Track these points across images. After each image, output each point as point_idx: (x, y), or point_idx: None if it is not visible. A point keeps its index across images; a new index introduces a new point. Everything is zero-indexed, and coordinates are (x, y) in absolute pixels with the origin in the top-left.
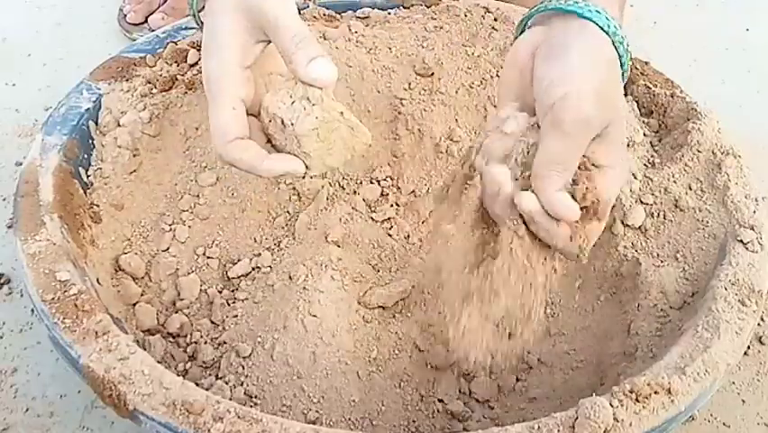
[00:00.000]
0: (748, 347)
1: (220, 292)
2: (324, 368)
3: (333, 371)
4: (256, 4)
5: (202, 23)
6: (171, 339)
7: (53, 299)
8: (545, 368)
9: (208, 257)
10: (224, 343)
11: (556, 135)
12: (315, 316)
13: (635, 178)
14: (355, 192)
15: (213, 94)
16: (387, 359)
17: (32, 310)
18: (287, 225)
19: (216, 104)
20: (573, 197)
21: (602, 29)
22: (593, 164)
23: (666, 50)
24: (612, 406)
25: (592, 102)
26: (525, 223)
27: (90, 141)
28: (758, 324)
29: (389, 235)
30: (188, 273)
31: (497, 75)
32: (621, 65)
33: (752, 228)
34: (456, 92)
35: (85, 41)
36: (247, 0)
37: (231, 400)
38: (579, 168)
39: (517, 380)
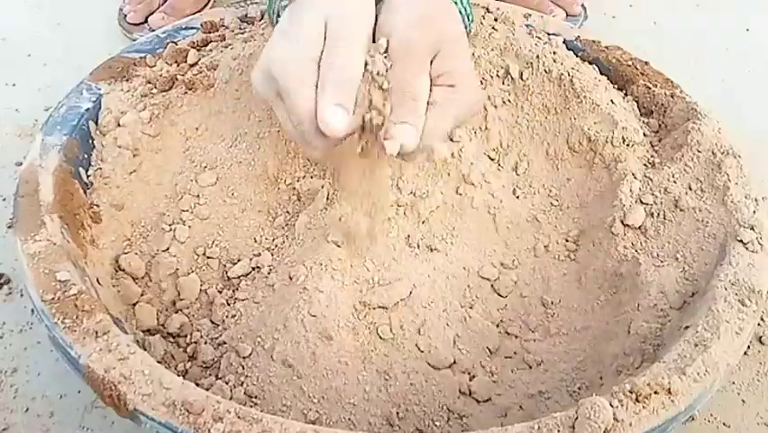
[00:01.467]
0: (748, 347)
1: (220, 292)
2: (324, 368)
3: (333, 371)
4: (333, 18)
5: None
6: (171, 339)
7: (53, 299)
8: (545, 368)
9: (208, 257)
10: (224, 343)
11: (394, 66)
12: (314, 316)
13: (636, 178)
14: None
15: (282, 74)
16: (387, 360)
17: (32, 310)
18: (287, 225)
19: (293, 81)
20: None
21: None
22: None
23: (666, 50)
24: (612, 406)
25: (412, 27)
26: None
27: (90, 141)
28: (758, 324)
29: (389, 236)
30: (188, 273)
31: (497, 75)
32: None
33: (752, 228)
34: None
35: (85, 41)
36: (331, 10)
37: (231, 400)
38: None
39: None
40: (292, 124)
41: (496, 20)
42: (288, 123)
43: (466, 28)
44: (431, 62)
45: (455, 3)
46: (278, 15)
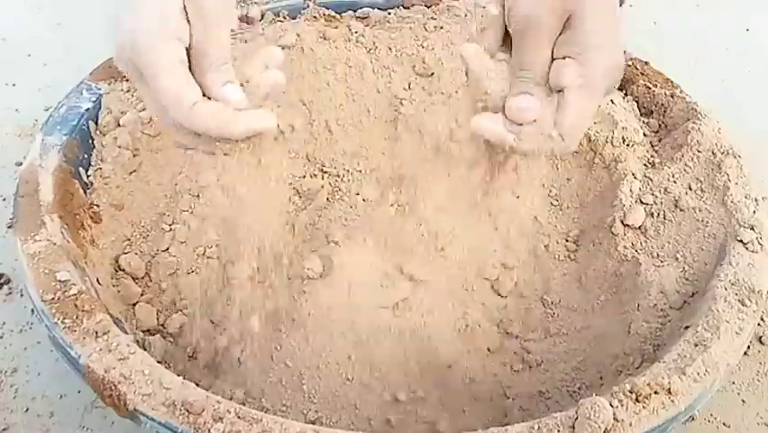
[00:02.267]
0: (748, 347)
1: (220, 292)
2: (325, 368)
3: (333, 371)
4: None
5: None
6: (171, 339)
7: (53, 299)
8: (545, 368)
9: (208, 257)
10: (224, 343)
11: (515, 39)
12: (313, 315)
13: (636, 178)
14: (357, 193)
15: (147, 61)
16: (387, 359)
17: (32, 310)
18: (287, 224)
19: (158, 70)
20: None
21: None
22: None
23: (666, 50)
24: (612, 406)
25: (532, 3)
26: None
27: (90, 141)
28: (758, 324)
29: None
30: (188, 273)
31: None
32: None
33: (752, 228)
34: (456, 92)
35: (85, 41)
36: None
37: (231, 400)
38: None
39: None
40: (157, 107)
41: None
42: (153, 105)
43: None
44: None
45: None
46: None
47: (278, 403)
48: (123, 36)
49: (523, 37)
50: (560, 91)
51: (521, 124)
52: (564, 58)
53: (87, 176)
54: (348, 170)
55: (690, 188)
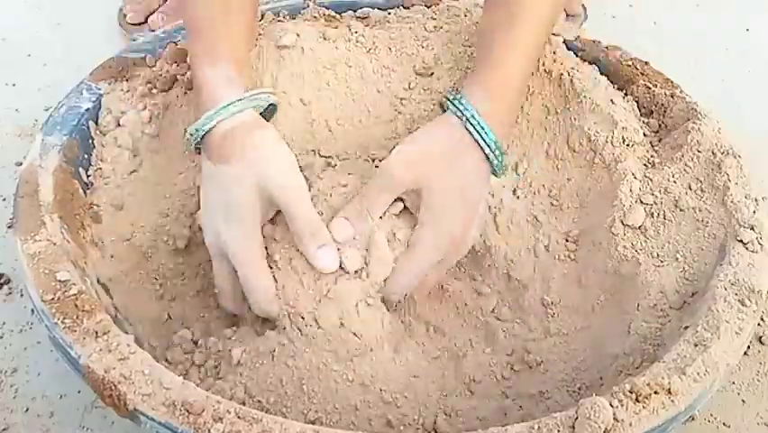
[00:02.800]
0: (748, 347)
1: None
2: (325, 367)
3: (333, 370)
4: (271, 189)
5: (198, 149)
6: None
7: (53, 299)
8: (545, 368)
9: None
10: (224, 345)
11: (372, 180)
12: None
13: (636, 178)
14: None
15: (242, 260)
16: (387, 359)
17: (32, 310)
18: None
19: (252, 269)
20: None
21: (454, 112)
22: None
23: (666, 50)
24: (612, 406)
25: (395, 161)
26: None
27: (90, 141)
28: (758, 324)
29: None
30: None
31: None
32: (481, 145)
33: (752, 228)
34: None
35: (85, 41)
36: (263, 182)
37: (231, 400)
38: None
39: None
40: (230, 285)
41: None
42: (224, 281)
43: (494, 162)
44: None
45: (480, 145)
46: (197, 144)
47: (279, 403)
48: (212, 233)
49: (378, 184)
50: None
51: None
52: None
53: (87, 176)
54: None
55: (690, 188)
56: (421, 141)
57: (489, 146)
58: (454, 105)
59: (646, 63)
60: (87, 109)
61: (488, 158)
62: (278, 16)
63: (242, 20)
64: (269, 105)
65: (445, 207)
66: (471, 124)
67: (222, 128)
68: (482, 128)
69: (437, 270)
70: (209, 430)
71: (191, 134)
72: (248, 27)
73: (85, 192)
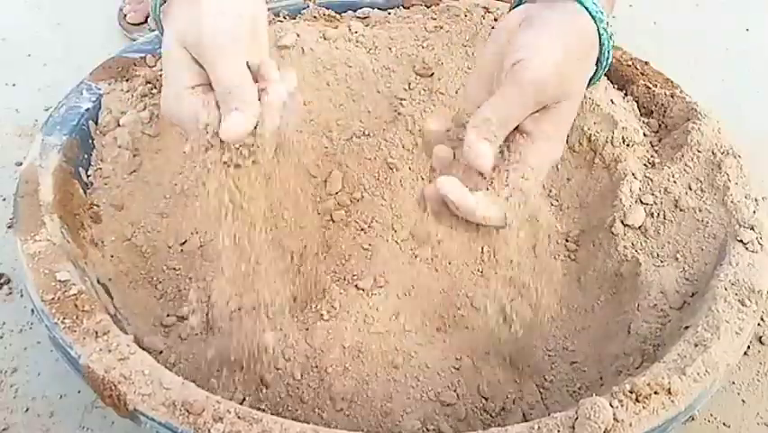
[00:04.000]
0: (748, 347)
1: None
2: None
3: (334, 368)
4: (194, 46)
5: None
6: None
7: (53, 299)
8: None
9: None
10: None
11: (507, 92)
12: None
13: (636, 178)
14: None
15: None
16: (387, 359)
17: (32, 310)
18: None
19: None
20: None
21: (588, 11)
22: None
23: (666, 50)
24: (612, 406)
25: (551, 71)
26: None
27: (90, 141)
28: (758, 324)
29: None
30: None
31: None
32: (601, 51)
33: (752, 228)
34: (456, 92)
35: (85, 41)
36: (187, 38)
37: (231, 400)
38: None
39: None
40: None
41: (496, 20)
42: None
43: (602, 63)
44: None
45: (603, 30)
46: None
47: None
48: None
49: (516, 94)
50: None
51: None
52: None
53: (87, 176)
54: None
55: (690, 188)
56: (562, 43)
57: (608, 51)
58: (584, 1)
59: (646, 63)
60: (87, 109)
61: (597, 69)
62: (278, 16)
63: None
64: None
65: (570, 119)
66: (605, 29)
67: None
68: (609, 36)
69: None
70: (209, 430)
71: (152, 9)
72: None
73: (85, 192)
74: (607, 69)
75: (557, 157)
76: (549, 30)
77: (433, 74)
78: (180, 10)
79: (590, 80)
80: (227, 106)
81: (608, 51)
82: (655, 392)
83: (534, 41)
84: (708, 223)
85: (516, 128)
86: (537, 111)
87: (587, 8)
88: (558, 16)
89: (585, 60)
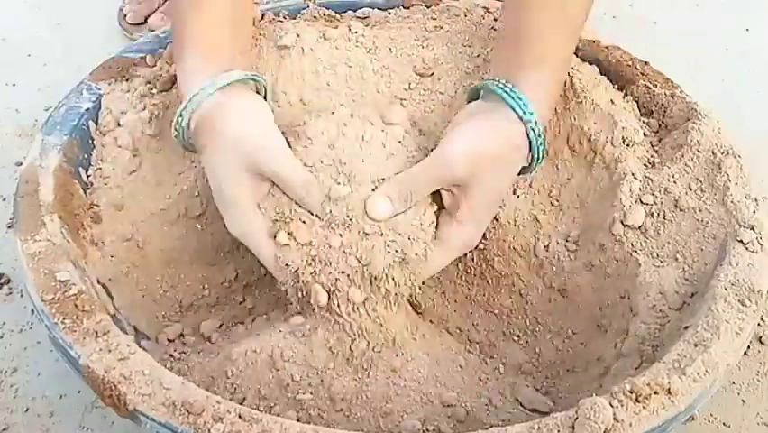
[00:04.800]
0: (748, 347)
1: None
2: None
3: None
4: (251, 157)
5: (191, 144)
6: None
7: (53, 299)
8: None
9: None
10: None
11: (421, 164)
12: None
13: (636, 178)
14: None
15: (248, 240)
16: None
17: (32, 310)
18: None
19: (255, 242)
20: None
21: (518, 115)
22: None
23: (666, 50)
24: (612, 406)
25: (462, 151)
26: None
27: (90, 141)
28: (758, 324)
29: None
30: None
31: None
32: (530, 147)
33: (752, 228)
34: (456, 92)
35: (85, 41)
36: (241, 155)
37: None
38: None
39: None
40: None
41: (496, 20)
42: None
43: (535, 156)
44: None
45: (531, 129)
46: (186, 134)
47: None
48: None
49: (426, 165)
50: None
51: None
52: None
53: (87, 176)
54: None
55: (690, 188)
56: (481, 133)
57: (538, 152)
58: (514, 101)
59: (646, 63)
60: (87, 109)
61: (530, 164)
62: (278, 16)
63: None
64: (250, 79)
65: (488, 209)
66: (533, 129)
67: (194, 120)
68: (539, 135)
69: None
70: (209, 430)
71: (175, 136)
72: (225, 8)
73: (85, 192)
74: (539, 164)
75: (471, 241)
76: (478, 123)
77: (433, 74)
78: (211, 138)
79: (525, 169)
80: (318, 195)
81: (539, 148)
82: (655, 392)
83: (461, 129)
84: (708, 223)
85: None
86: (451, 190)
87: (516, 112)
88: (493, 114)
89: (504, 157)
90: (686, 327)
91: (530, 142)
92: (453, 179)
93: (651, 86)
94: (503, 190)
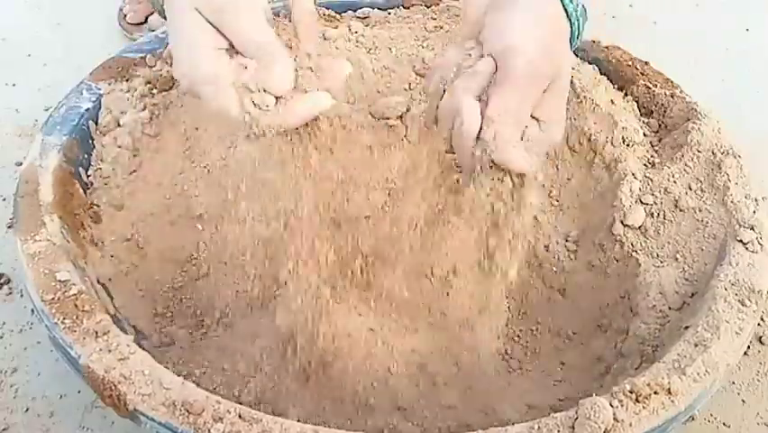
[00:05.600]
0: (748, 347)
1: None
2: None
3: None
4: (212, 11)
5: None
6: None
7: (53, 299)
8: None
9: None
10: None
11: (509, 87)
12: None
13: (636, 178)
14: None
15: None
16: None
17: (32, 310)
18: None
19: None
20: None
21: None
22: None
23: (666, 50)
24: (612, 406)
25: (539, 56)
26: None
27: (90, 141)
28: (758, 324)
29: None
30: None
31: None
32: (570, 22)
33: (752, 228)
34: None
35: (85, 41)
36: (200, 3)
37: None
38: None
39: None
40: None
41: None
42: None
43: (574, 40)
44: None
45: (569, 17)
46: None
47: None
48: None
49: (520, 85)
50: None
51: None
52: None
53: (87, 176)
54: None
55: (690, 188)
56: (537, 22)
57: (578, 25)
58: None
59: (646, 63)
60: (87, 109)
61: (569, 17)
62: (279, 16)
63: None
64: None
65: (565, 96)
66: (569, 2)
67: None
68: (576, 6)
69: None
70: (209, 430)
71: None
72: None
73: (85, 192)
74: (578, 41)
75: (558, 138)
76: (517, 13)
77: None
78: None
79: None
80: (264, 62)
81: (578, 22)
82: (655, 392)
83: (507, 27)
84: (708, 223)
85: None
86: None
87: None
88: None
89: (560, 35)
90: (686, 327)
91: (566, 10)
92: (543, 83)
93: (651, 86)
94: (569, 70)
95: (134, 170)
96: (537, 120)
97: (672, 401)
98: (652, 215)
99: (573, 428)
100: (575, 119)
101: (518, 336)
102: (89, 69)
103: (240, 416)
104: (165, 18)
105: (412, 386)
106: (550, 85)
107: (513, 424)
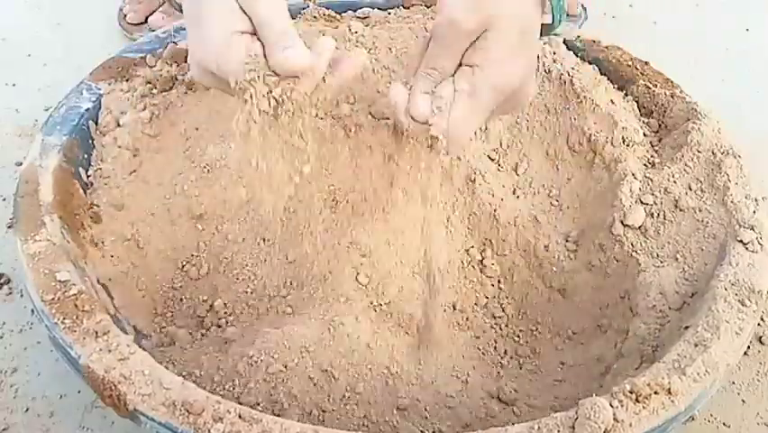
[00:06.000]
0: (748, 347)
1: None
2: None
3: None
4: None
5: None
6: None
7: (53, 299)
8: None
9: None
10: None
11: (433, 41)
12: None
13: (636, 178)
14: None
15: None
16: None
17: (32, 310)
18: None
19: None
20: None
21: None
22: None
23: (666, 50)
24: (612, 406)
25: (460, 9)
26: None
27: (90, 141)
28: (758, 324)
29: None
30: None
31: None
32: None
33: (752, 228)
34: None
35: (85, 41)
36: None
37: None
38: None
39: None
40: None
41: None
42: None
43: (554, 19)
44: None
45: None
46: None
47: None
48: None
49: (440, 40)
50: None
51: None
52: (470, 66)
53: (87, 176)
54: None
55: (690, 189)
56: None
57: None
58: None
59: (646, 63)
60: (87, 109)
61: (552, 22)
62: None
63: None
64: None
65: (510, 51)
66: None
67: None
68: None
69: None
70: (209, 430)
71: None
72: None
73: (85, 192)
74: (560, 19)
75: (500, 79)
76: None
77: None
78: None
79: (550, 27)
80: (280, 46)
81: None
82: (655, 392)
83: None
84: (708, 223)
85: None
86: (469, 47)
87: None
88: None
89: None
90: (686, 327)
91: None
92: (467, 33)
93: (651, 86)
94: (527, 34)
95: (134, 170)
96: (471, 67)
97: (672, 401)
98: (652, 215)
99: (573, 428)
100: (575, 119)
101: (518, 336)
102: (89, 69)
103: (240, 416)
104: (176, 8)
105: (412, 386)
106: (482, 35)
107: (513, 424)
